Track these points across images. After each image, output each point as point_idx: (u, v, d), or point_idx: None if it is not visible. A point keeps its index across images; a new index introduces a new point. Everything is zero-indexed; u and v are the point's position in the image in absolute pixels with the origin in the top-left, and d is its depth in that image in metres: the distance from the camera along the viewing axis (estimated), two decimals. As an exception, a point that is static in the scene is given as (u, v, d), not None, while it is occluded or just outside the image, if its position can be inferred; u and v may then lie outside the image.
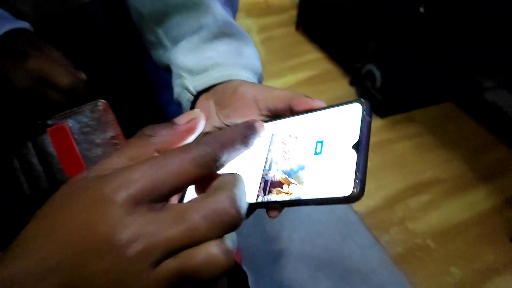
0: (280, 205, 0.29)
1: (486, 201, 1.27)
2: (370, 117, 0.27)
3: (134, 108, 0.67)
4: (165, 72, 0.47)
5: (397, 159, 1.41)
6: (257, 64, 0.40)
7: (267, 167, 0.31)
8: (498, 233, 1.19)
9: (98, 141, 0.43)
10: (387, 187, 1.32)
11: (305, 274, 1.10)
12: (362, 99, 0.28)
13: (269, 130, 0.33)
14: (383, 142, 1.47)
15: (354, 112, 0.28)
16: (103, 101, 0.42)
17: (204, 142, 0.22)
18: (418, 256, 1.14)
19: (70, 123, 0.41)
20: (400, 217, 1.24)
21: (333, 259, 1.13)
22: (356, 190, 0.25)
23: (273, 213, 0.29)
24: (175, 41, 0.42)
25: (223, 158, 0.22)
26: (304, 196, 0.27)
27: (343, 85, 1.72)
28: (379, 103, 1.54)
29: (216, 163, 0.22)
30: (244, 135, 0.25)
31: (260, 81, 0.41)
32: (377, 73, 1.50)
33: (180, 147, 0.22)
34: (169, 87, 0.71)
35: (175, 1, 0.41)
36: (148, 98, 0.71)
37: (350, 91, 1.68)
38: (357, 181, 0.25)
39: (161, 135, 0.23)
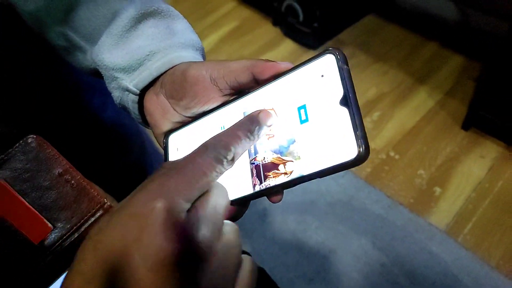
0: (282, 188, 0.26)
1: (430, 99, 1.34)
2: (347, 64, 0.25)
3: (66, 125, 0.60)
4: (92, 77, 0.40)
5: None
6: (194, 37, 0.36)
7: (252, 151, 0.28)
8: (449, 125, 1.27)
9: (46, 183, 0.37)
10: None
11: (294, 221, 1.12)
12: (332, 48, 0.25)
13: (239, 108, 0.30)
14: (287, 58, 1.46)
15: (328, 65, 0.25)
16: (33, 136, 0.36)
17: (212, 144, 0.23)
18: (387, 170, 1.19)
19: (2, 175, 0.35)
20: (360, 139, 1.27)
21: (314, 199, 1.15)
22: (362, 149, 0.22)
23: (275, 198, 0.27)
24: (92, 39, 0.36)
25: (236, 152, 0.23)
26: (306, 172, 0.25)
27: (267, 29, 1.67)
28: (308, 35, 1.52)
29: (229, 157, 0.23)
30: (248, 129, 0.24)
31: (204, 55, 0.37)
32: (297, 7, 1.47)
33: (192, 153, 0.23)
34: (97, 90, 0.62)
35: None
36: (77, 109, 0.64)
37: (277, 31, 1.64)
38: (359, 139, 0.22)
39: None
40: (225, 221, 0.23)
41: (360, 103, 1.31)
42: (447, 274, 1.00)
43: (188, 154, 0.23)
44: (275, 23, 1.65)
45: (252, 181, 0.28)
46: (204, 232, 0.20)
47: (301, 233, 1.08)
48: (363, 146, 0.22)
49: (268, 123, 0.25)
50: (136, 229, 0.19)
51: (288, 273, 1.03)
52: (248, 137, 0.24)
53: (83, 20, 0.35)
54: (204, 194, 0.22)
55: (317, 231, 1.09)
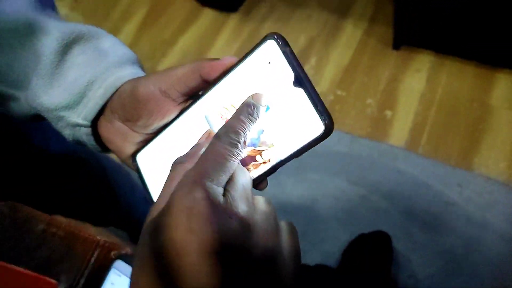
0: (266, 176, 0.27)
1: (357, 30, 1.38)
2: (289, 46, 0.26)
3: (12, 168, 0.56)
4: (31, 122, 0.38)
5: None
6: (126, 51, 0.34)
7: None
8: (381, 49, 1.32)
9: (33, 243, 0.35)
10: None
11: (270, 187, 1.14)
12: (270, 33, 0.26)
13: (198, 112, 0.30)
14: (244, 40, 1.45)
15: (271, 51, 0.26)
16: (1, 203, 0.33)
17: (223, 133, 0.25)
18: (338, 109, 1.24)
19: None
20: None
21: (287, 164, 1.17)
22: (327, 122, 0.24)
23: (262, 186, 0.28)
24: (21, 85, 0.33)
25: (245, 135, 0.25)
26: (283, 156, 0.26)
27: (181, 3, 1.60)
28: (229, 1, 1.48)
29: (241, 140, 0.25)
30: (248, 113, 0.25)
31: (141, 66, 0.36)
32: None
33: (209, 145, 0.25)
34: (33, 127, 0.58)
35: None
36: (19, 150, 0.59)
37: (192, 3, 1.58)
38: (322, 114, 0.24)
39: (191, 156, 0.26)
40: (256, 196, 0.25)
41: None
42: (419, 184, 1.09)
43: (204, 147, 0.26)
44: (186, -4, 1.59)
45: None
46: (242, 208, 0.22)
47: (281, 194, 1.11)
48: (327, 118, 0.24)
49: (263, 102, 0.26)
50: (186, 221, 0.20)
51: (280, 234, 1.06)
52: (251, 120, 0.26)
53: (4, 68, 0.33)
54: (231, 177, 0.24)
55: (294, 187, 1.12)
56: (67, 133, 0.34)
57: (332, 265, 0.99)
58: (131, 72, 0.33)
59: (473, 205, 1.04)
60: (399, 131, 1.17)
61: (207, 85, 0.29)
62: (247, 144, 0.26)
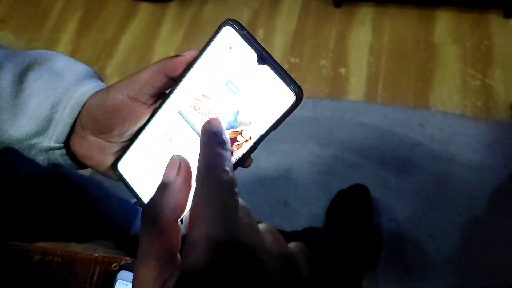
0: (250, 153, 0.29)
1: (297, -5, 1.38)
2: (245, 28, 0.27)
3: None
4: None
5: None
6: (81, 67, 0.35)
7: None
8: (323, 9, 1.33)
9: (34, 274, 0.34)
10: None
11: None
12: (225, 21, 0.27)
13: (172, 109, 0.31)
14: (187, 26, 1.42)
15: (230, 36, 0.27)
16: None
17: (207, 172, 0.23)
18: (295, 76, 1.23)
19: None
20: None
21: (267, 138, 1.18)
22: (296, 91, 0.26)
23: (247, 163, 0.30)
24: None
25: (229, 165, 0.24)
26: (262, 131, 0.28)
27: (115, 2, 1.54)
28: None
29: (233, 179, 0.23)
30: (218, 143, 0.25)
31: (101, 79, 0.36)
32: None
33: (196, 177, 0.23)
34: (1, 159, 0.57)
35: None
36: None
37: (127, 1, 1.53)
38: (290, 85, 0.26)
39: (165, 203, 0.23)
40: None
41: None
42: (384, 133, 1.13)
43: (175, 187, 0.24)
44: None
45: None
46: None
47: (256, 170, 1.12)
48: (296, 88, 0.26)
49: (220, 128, 0.26)
50: (216, 226, 0.20)
51: (263, 208, 1.08)
52: (226, 149, 0.24)
53: None
54: None
55: (268, 160, 1.14)
56: (41, 158, 0.35)
57: (318, 226, 1.02)
58: (92, 86, 0.33)
59: (437, 141, 1.09)
60: (356, 86, 1.20)
61: (173, 82, 0.30)
62: (225, 127, 0.27)
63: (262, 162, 1.14)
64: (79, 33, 1.51)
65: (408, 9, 1.26)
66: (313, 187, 1.10)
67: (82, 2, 1.57)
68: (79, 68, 0.34)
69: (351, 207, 1.01)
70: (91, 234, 0.76)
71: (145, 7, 1.49)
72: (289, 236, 0.67)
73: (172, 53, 1.26)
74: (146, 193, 0.33)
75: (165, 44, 1.39)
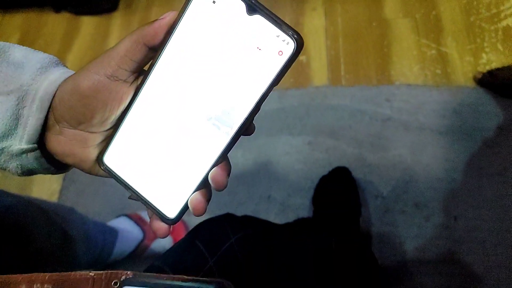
0: (254, 114, 0.26)
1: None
2: None
3: None
4: None
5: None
6: (42, 55, 0.30)
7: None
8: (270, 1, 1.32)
9: None
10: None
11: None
12: None
13: (159, 84, 0.27)
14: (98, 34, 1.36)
15: None
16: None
17: None
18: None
19: None
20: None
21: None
22: (296, 36, 0.23)
23: (250, 129, 0.28)
24: None
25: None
26: (263, 87, 0.26)
27: (54, 20, 1.45)
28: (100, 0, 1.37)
29: None
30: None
31: (66, 67, 0.31)
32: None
33: None
34: None
35: None
36: None
37: (66, 17, 1.44)
38: (288, 32, 0.23)
39: None
40: None
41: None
42: (354, 113, 1.13)
43: None
44: (57, 9, 1.44)
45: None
46: None
47: (235, 169, 1.08)
48: (295, 34, 0.23)
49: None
50: None
51: (248, 207, 1.05)
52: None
53: None
54: None
55: (244, 157, 1.11)
56: (13, 166, 0.30)
57: (307, 215, 1.00)
58: (60, 73, 0.29)
59: (405, 113, 1.11)
60: (319, 71, 1.20)
61: (155, 52, 0.26)
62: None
63: (239, 161, 1.11)
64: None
65: (353, -10, 1.28)
66: (294, 177, 1.08)
67: (17, 24, 1.46)
68: (40, 56, 0.30)
69: (336, 190, 1.00)
70: (71, 263, 0.69)
71: (88, 21, 1.41)
72: (283, 229, 0.64)
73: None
74: (140, 183, 0.30)
75: (116, 56, 1.32)
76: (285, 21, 0.24)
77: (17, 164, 0.29)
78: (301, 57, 1.22)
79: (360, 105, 1.14)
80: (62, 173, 0.33)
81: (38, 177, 1.14)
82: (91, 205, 1.09)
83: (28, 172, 0.31)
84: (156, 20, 0.25)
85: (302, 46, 0.24)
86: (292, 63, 0.24)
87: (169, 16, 0.25)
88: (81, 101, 0.27)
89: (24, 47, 0.30)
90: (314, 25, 1.26)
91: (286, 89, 1.19)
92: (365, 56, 1.20)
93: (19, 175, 0.31)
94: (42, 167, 0.30)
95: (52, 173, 0.32)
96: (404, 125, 1.10)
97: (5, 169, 0.30)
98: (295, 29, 0.23)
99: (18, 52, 0.29)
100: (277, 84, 0.25)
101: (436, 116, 1.10)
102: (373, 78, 1.17)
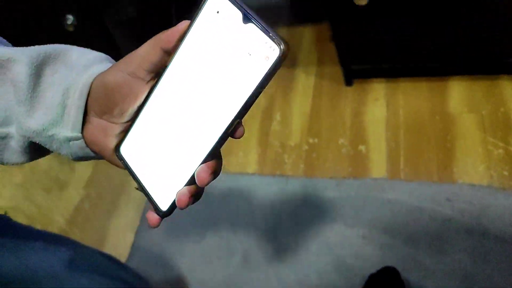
0: (239, 118, 0.28)
1: (309, 76, 1.44)
2: None
3: None
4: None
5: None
6: (95, 54, 0.35)
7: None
8: (336, 89, 1.38)
9: None
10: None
11: (270, 245, 1.15)
12: None
13: (168, 85, 0.31)
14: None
15: (216, 1, 0.28)
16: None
17: None
18: (315, 156, 1.28)
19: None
20: (279, 145, 1.34)
21: (286, 218, 1.19)
22: (282, 44, 0.25)
23: (238, 132, 0.29)
24: (10, 120, 0.33)
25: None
26: (249, 91, 0.27)
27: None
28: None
29: None
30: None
31: (113, 62, 0.36)
32: None
33: None
34: None
35: None
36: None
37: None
38: (275, 39, 0.25)
39: None
40: None
41: (258, 114, 1.37)
42: (412, 210, 1.12)
43: None
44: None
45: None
46: None
47: (289, 264, 1.12)
48: (281, 41, 0.25)
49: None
50: None
51: (298, 299, 1.06)
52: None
53: None
54: None
55: (293, 240, 1.14)
56: (64, 152, 0.34)
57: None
58: (99, 67, 0.33)
59: (468, 215, 1.07)
60: (378, 162, 1.21)
61: (168, 56, 0.30)
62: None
63: (281, 235, 1.14)
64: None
65: (419, 82, 1.29)
66: (344, 271, 1.08)
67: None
68: (92, 55, 0.34)
69: (385, 293, 0.98)
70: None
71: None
72: None
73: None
74: (144, 175, 0.33)
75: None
76: (278, 33, 0.26)
77: (67, 151, 0.34)
78: (361, 147, 1.25)
79: (419, 202, 1.12)
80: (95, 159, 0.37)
81: (112, 230, 1.28)
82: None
83: (78, 158, 0.35)
84: (168, 30, 0.30)
85: (286, 54, 0.25)
86: (278, 68, 0.26)
87: (182, 24, 0.29)
88: (105, 93, 0.31)
89: (81, 48, 0.35)
90: (375, 115, 1.29)
91: (344, 178, 1.21)
92: (426, 150, 1.19)
93: (74, 160, 0.35)
94: (89, 156, 0.35)
95: (90, 159, 0.36)
96: (465, 228, 1.06)
97: (60, 154, 0.35)
98: (283, 37, 0.25)
99: (75, 53, 0.34)
100: (263, 88, 0.27)
101: (501, 222, 1.04)
102: (434, 174, 1.15)
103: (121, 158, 0.34)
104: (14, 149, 0.35)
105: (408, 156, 1.20)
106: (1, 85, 0.32)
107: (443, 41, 1.15)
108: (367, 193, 1.18)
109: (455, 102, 1.23)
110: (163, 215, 0.32)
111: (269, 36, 0.25)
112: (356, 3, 1.05)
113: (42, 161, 1.39)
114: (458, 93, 1.25)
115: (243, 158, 1.34)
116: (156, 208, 0.32)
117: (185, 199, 0.30)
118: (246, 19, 0.26)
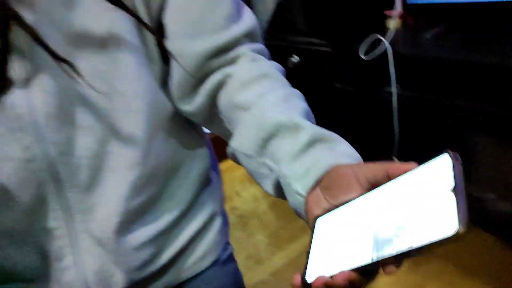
0: (395, 258, 0.29)
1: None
2: (459, 159, 0.28)
3: None
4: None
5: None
6: (354, 153, 0.41)
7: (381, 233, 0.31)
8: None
9: None
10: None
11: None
12: (447, 150, 0.29)
13: (369, 200, 0.34)
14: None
15: (444, 163, 0.29)
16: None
17: None
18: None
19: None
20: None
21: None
22: (461, 226, 0.24)
23: (389, 268, 0.29)
24: (278, 161, 0.42)
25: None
26: (410, 245, 0.27)
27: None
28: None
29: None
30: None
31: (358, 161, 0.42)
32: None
33: None
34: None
35: (272, 128, 0.43)
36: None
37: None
38: (461, 219, 0.25)
39: None
40: None
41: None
42: None
43: None
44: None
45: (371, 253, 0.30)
46: None
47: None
48: (464, 225, 0.24)
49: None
50: None
51: None
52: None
53: (275, 149, 0.42)
54: None
55: None
56: (290, 199, 0.42)
57: None
58: (348, 160, 0.39)
59: None
60: None
61: (387, 180, 0.33)
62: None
63: None
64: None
65: None
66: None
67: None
68: (352, 152, 0.41)
69: None
70: None
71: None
72: None
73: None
74: (318, 249, 0.36)
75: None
76: (468, 218, 0.25)
77: (292, 200, 0.41)
78: None
79: None
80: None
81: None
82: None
83: (293, 207, 0.42)
84: (403, 163, 0.33)
85: (458, 237, 0.24)
86: (443, 244, 0.25)
87: (412, 165, 0.32)
88: (335, 178, 0.37)
89: (350, 147, 0.42)
90: None
91: None
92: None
93: (271, 194, 0.44)
94: (299, 208, 0.41)
95: (296, 212, 0.42)
96: None
97: (282, 195, 0.43)
98: (468, 223, 0.24)
99: (343, 146, 0.41)
100: (420, 252, 0.27)
101: None
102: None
103: (313, 227, 0.38)
104: (269, 179, 0.44)
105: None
106: (293, 137, 0.41)
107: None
108: None
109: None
110: (304, 283, 0.34)
111: (458, 215, 0.25)
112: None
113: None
114: None
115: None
116: (303, 275, 0.35)
117: (317, 284, 0.32)
118: (454, 191, 0.26)
